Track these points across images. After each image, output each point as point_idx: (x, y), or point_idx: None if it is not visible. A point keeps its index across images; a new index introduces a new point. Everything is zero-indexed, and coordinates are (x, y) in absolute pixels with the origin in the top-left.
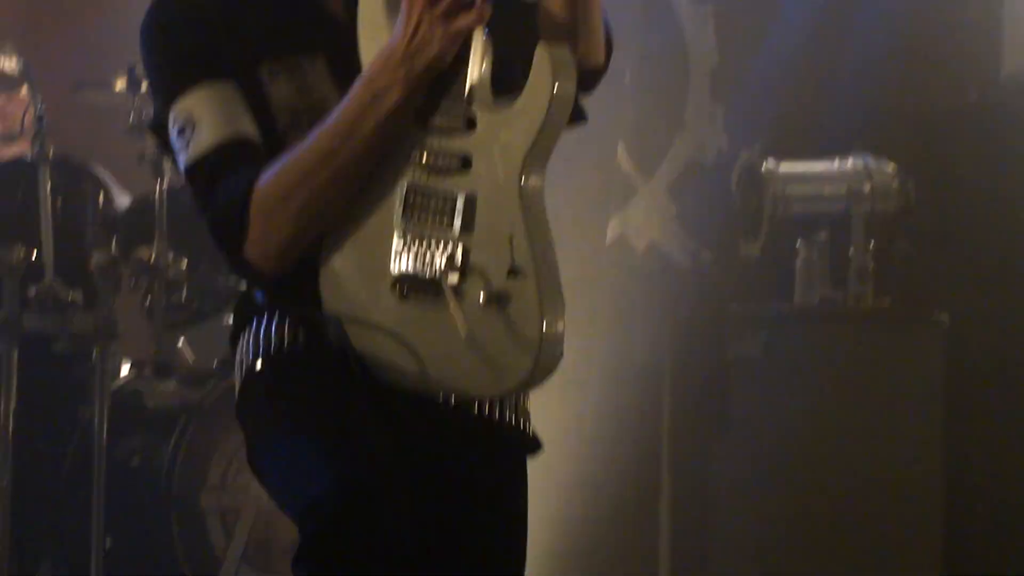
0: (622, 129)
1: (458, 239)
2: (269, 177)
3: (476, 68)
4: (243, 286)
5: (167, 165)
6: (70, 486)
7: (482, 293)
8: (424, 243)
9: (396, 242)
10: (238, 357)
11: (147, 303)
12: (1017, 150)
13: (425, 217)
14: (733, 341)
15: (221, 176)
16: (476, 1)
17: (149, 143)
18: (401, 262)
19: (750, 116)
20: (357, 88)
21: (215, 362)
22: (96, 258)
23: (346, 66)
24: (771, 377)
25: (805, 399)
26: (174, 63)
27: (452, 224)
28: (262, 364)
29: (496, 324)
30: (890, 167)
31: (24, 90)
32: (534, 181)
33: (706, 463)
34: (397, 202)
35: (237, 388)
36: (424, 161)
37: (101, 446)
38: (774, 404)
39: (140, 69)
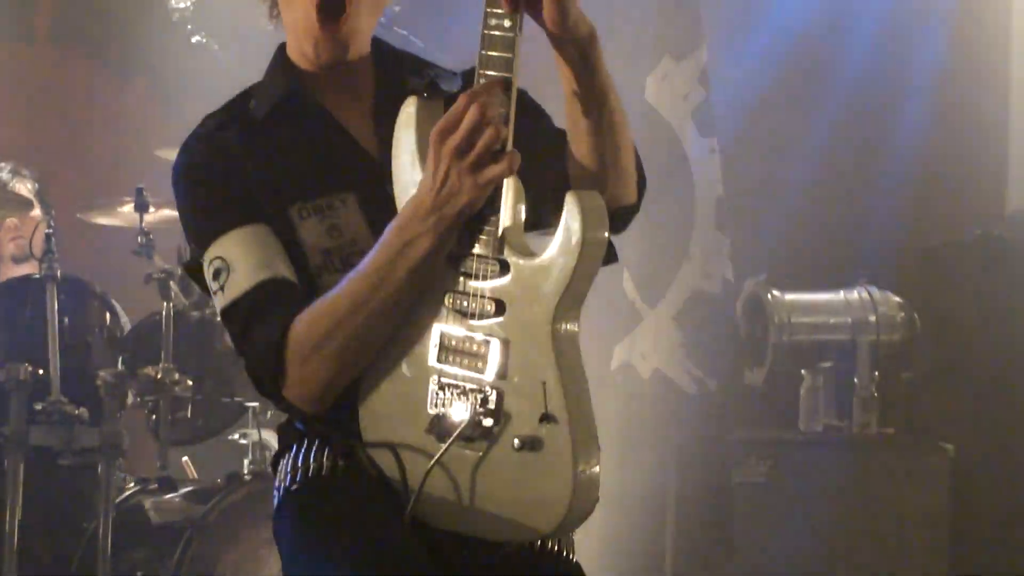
0: (628, 258)
1: (492, 384)
2: (303, 323)
3: (508, 213)
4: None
5: (174, 286)
6: None
7: (516, 439)
8: (458, 387)
9: (431, 385)
10: (276, 481)
11: (152, 420)
12: (1021, 285)
13: (459, 360)
14: (737, 467)
15: (255, 319)
16: (506, 149)
17: (156, 264)
18: (436, 404)
19: (755, 246)
20: (388, 235)
21: (218, 479)
22: (102, 375)
23: (378, 203)
24: (776, 503)
25: (810, 526)
26: (208, 208)
27: (486, 369)
28: (299, 486)
29: (530, 469)
30: (895, 298)
31: (36, 211)
32: (568, 326)
33: None
34: (431, 345)
35: (274, 508)
36: (457, 306)
37: (105, 559)
38: (779, 531)
39: (147, 192)
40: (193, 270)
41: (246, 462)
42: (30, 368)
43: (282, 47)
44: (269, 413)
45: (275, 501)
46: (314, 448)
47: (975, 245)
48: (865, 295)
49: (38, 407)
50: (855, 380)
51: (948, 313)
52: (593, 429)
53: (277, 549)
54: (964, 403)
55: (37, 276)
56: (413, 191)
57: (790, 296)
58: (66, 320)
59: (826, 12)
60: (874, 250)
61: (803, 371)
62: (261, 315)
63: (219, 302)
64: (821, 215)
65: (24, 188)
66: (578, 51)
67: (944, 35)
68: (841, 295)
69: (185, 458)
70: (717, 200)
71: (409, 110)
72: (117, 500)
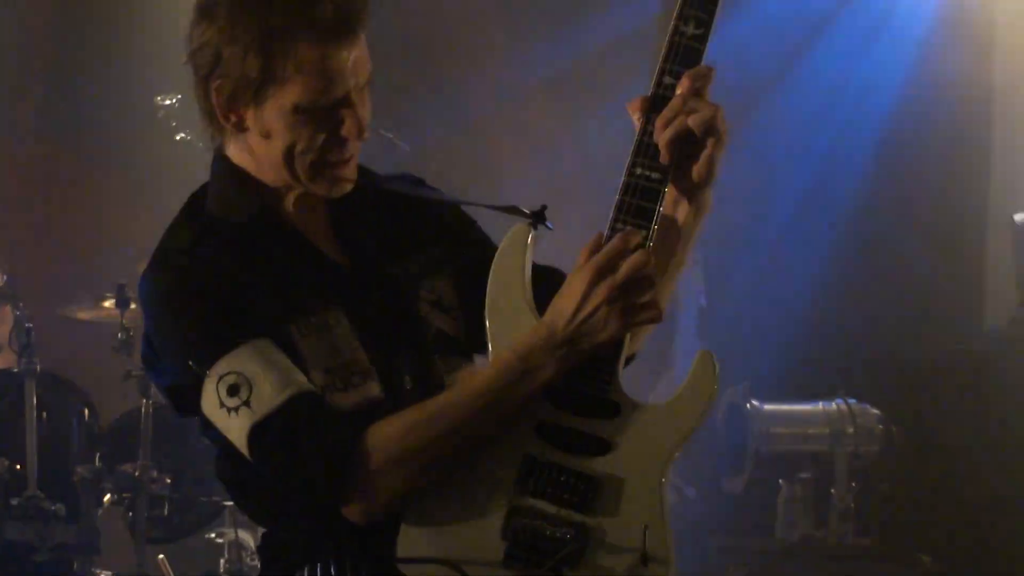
0: None
1: (583, 520)
2: (387, 434)
3: (623, 352)
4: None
5: (151, 386)
6: None
7: None
8: (543, 517)
9: (507, 508)
10: None
11: (129, 517)
12: (997, 398)
13: (548, 490)
14: (715, 575)
15: (304, 432)
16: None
17: (135, 361)
18: (516, 525)
19: (736, 356)
20: (508, 361)
21: None
22: (80, 471)
23: (365, 317)
24: None
25: None
26: (210, 324)
27: (585, 504)
28: None
29: None
30: (873, 411)
31: (8, 308)
32: (669, 476)
33: None
34: (514, 469)
35: None
36: (551, 436)
37: None
38: None
39: (128, 288)
40: (179, 391)
41: (222, 561)
42: (7, 462)
43: (225, 158)
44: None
45: None
46: (332, 565)
47: (953, 359)
48: (844, 407)
49: (14, 502)
50: (832, 491)
51: (925, 425)
52: None
53: None
54: (941, 515)
55: (16, 370)
56: (522, 318)
57: (769, 406)
58: (44, 415)
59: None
60: (853, 362)
61: (781, 480)
62: (312, 426)
63: (243, 418)
64: (802, 327)
65: None
66: (692, 212)
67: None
68: (820, 406)
69: (161, 556)
70: (699, 309)
71: (522, 239)
72: None
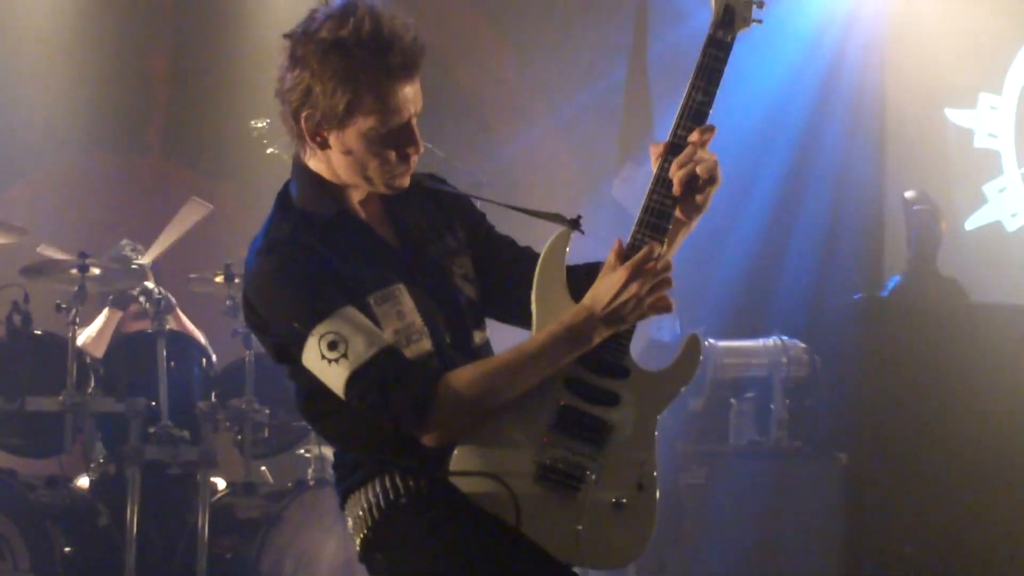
0: None
1: (599, 452)
2: (463, 385)
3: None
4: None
5: (254, 338)
6: (180, 574)
7: (623, 498)
8: (569, 448)
9: (544, 441)
10: (363, 503)
11: (238, 439)
12: (894, 332)
13: (573, 430)
14: (683, 473)
15: (391, 376)
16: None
17: (240, 321)
18: (548, 455)
19: (697, 306)
20: (557, 330)
21: (289, 483)
22: (200, 406)
23: (418, 289)
24: (712, 500)
25: (738, 515)
26: (310, 295)
27: (600, 441)
28: (406, 500)
29: (621, 520)
30: (801, 345)
31: (150, 281)
32: (657, 424)
33: (663, 563)
34: (547, 412)
35: (372, 523)
36: (578, 389)
37: (204, 544)
38: (715, 519)
39: (235, 267)
40: (286, 348)
41: (310, 471)
42: (145, 400)
43: (304, 165)
44: None
45: (369, 519)
46: (396, 476)
47: (861, 304)
48: (779, 342)
49: (151, 430)
50: (771, 406)
51: (840, 355)
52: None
53: (375, 553)
54: (854, 423)
55: (150, 331)
56: (562, 304)
57: (722, 343)
58: (172, 364)
59: (759, 119)
60: (785, 308)
61: (732, 399)
62: (400, 374)
63: (341, 367)
64: (746, 282)
65: (139, 261)
66: (685, 232)
67: (838, 144)
68: (761, 342)
69: (263, 468)
70: None
71: (564, 242)
72: (212, 500)
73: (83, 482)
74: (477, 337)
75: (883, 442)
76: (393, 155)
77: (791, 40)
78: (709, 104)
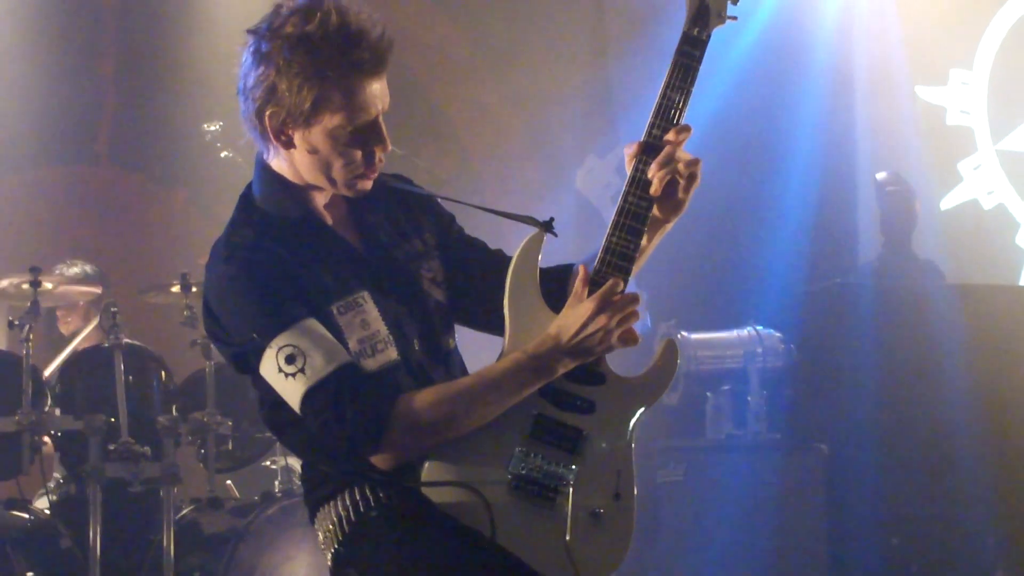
0: None
1: (573, 461)
2: (420, 406)
3: None
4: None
5: (214, 349)
6: None
7: (600, 509)
8: (544, 458)
9: (518, 451)
10: (333, 516)
11: (201, 453)
12: (870, 319)
13: (547, 439)
14: (660, 470)
15: (348, 397)
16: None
17: (199, 331)
18: (523, 465)
19: (668, 298)
20: (522, 358)
21: (255, 497)
22: (161, 420)
23: (383, 296)
24: (690, 496)
25: (717, 512)
26: (271, 305)
27: (575, 449)
28: (376, 512)
29: (598, 530)
30: (776, 334)
31: (100, 291)
32: (637, 433)
33: (643, 561)
34: (521, 421)
35: (343, 537)
36: (555, 400)
37: (169, 564)
38: (693, 517)
39: (192, 276)
40: (243, 357)
41: (276, 483)
42: (104, 417)
43: (267, 166)
44: None
45: (339, 533)
46: (366, 487)
47: (835, 290)
48: (753, 332)
49: (111, 447)
50: (748, 398)
51: (817, 342)
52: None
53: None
54: (833, 412)
55: (106, 345)
56: (536, 315)
57: (695, 336)
58: (130, 378)
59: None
60: (759, 297)
61: (708, 393)
62: (354, 393)
63: (298, 383)
64: (717, 271)
65: (88, 278)
66: (664, 232)
67: (808, 127)
68: (734, 332)
69: (228, 482)
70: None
71: (537, 245)
72: (177, 517)
73: (43, 503)
74: (446, 343)
75: (864, 431)
76: (359, 155)
77: (760, 21)
78: (684, 103)
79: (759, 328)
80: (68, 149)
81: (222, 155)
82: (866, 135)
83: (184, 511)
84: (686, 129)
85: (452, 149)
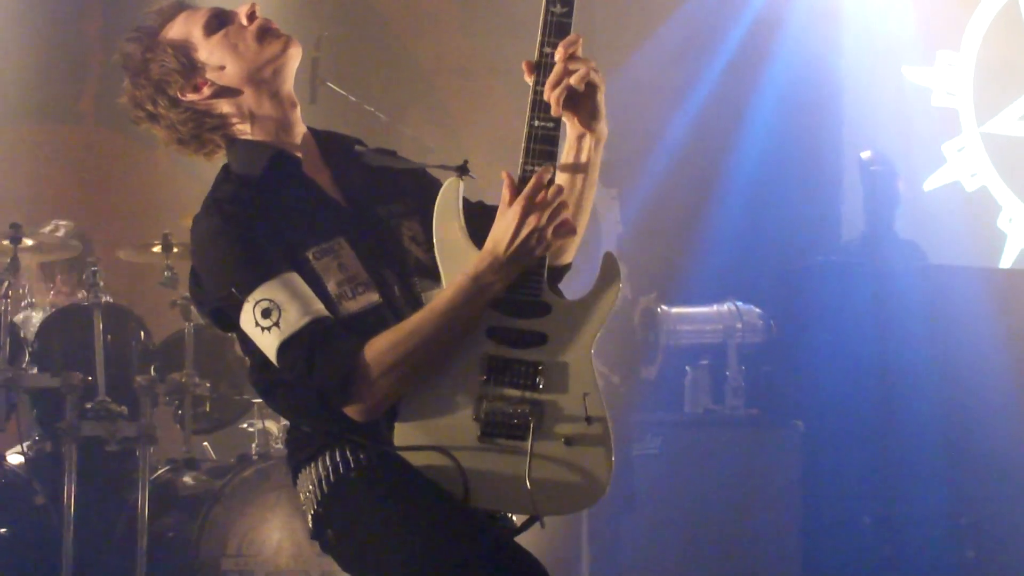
0: None
1: (538, 395)
2: (375, 351)
3: (547, 263)
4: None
5: (194, 310)
6: (119, 554)
7: (573, 434)
8: (506, 400)
9: (476, 398)
10: (314, 477)
11: (178, 414)
12: (853, 296)
13: (504, 379)
14: (636, 443)
15: (319, 349)
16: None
17: (179, 292)
18: (484, 409)
19: (648, 271)
20: (463, 283)
21: (231, 459)
22: (138, 380)
23: (362, 244)
24: (666, 470)
25: (694, 486)
26: (249, 259)
27: (535, 383)
28: (355, 473)
29: (578, 458)
30: (756, 309)
31: (81, 252)
32: (594, 351)
33: (618, 533)
34: (476, 367)
35: (322, 497)
36: (502, 336)
37: (144, 523)
38: (669, 491)
39: (173, 236)
40: (221, 312)
41: (253, 446)
42: (81, 375)
43: (232, 137)
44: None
45: (319, 493)
46: (347, 449)
47: (818, 268)
48: (733, 307)
49: (88, 406)
50: (727, 373)
51: (797, 319)
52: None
53: (328, 526)
54: (811, 389)
55: (86, 303)
56: (463, 250)
57: (675, 310)
58: (109, 337)
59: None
60: (739, 272)
61: (687, 367)
62: (324, 346)
63: (273, 336)
64: (699, 247)
65: (68, 231)
66: (593, 141)
67: (793, 104)
68: (714, 307)
69: (205, 443)
70: (618, 235)
71: (454, 188)
72: (152, 477)
73: (16, 459)
74: (429, 299)
75: (841, 409)
76: (248, 36)
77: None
78: (570, 15)
79: (739, 304)
80: (52, 108)
81: None
82: (852, 114)
83: (160, 471)
84: (574, 40)
85: (438, 117)
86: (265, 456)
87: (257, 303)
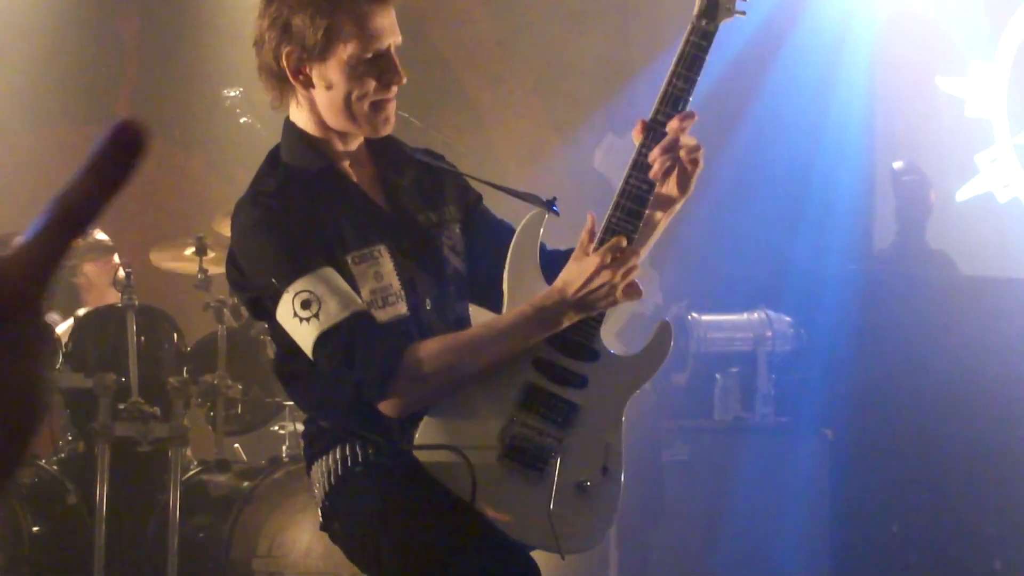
0: None
1: (563, 434)
2: (426, 353)
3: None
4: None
5: (227, 312)
6: (150, 555)
7: (587, 481)
8: (534, 429)
9: (510, 420)
10: (324, 470)
11: (210, 416)
12: (884, 306)
13: (539, 410)
14: (666, 449)
15: (360, 343)
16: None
17: (212, 295)
18: (512, 434)
19: (680, 280)
20: (527, 312)
21: (262, 461)
22: (171, 382)
23: (401, 251)
24: (696, 477)
25: (722, 493)
26: (291, 251)
27: (565, 422)
28: (362, 468)
29: (585, 503)
30: (786, 318)
31: (115, 256)
32: (626, 410)
33: (646, 540)
34: (515, 391)
35: (329, 489)
36: (547, 370)
37: (175, 524)
38: (698, 498)
39: (206, 239)
40: (258, 302)
41: (284, 448)
42: (115, 376)
43: (292, 123)
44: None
45: (327, 485)
46: (356, 444)
47: (849, 276)
48: (763, 315)
49: (121, 407)
50: (757, 381)
51: (827, 328)
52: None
53: (334, 518)
54: (841, 398)
55: (119, 305)
56: (532, 283)
57: (706, 317)
58: (142, 339)
59: (747, 86)
60: (770, 280)
61: (717, 374)
62: (366, 339)
63: (312, 327)
64: (730, 255)
65: (104, 239)
66: (671, 209)
67: (828, 112)
68: (745, 315)
69: (236, 445)
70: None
71: (538, 222)
72: (184, 478)
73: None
74: (459, 310)
75: (871, 418)
76: (373, 84)
77: (791, 8)
78: (689, 91)
79: (770, 312)
80: (87, 109)
81: (241, 121)
82: (884, 124)
83: (191, 472)
84: (690, 116)
85: (471, 124)
86: (295, 458)
87: (297, 294)
